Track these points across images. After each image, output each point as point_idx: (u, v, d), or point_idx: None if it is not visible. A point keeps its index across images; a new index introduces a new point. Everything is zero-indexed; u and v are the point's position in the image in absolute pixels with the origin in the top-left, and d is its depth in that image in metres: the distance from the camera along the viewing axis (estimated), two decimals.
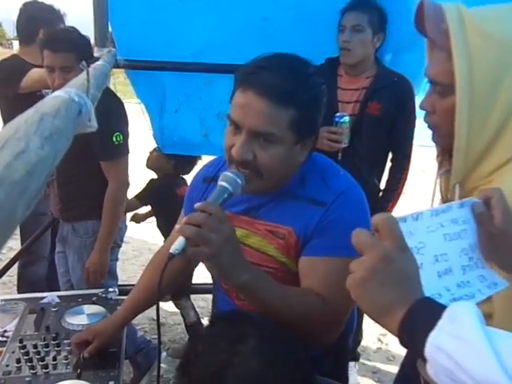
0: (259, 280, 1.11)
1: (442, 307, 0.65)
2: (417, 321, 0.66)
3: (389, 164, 2.56)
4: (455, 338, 0.61)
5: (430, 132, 1.18)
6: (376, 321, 0.72)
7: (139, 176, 3.33)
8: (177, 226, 1.26)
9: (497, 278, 0.90)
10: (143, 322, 3.33)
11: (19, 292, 3.05)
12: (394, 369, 3.01)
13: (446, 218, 0.88)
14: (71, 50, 2.15)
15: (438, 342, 0.62)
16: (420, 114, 2.69)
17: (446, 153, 1.20)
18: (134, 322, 2.91)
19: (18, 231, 3.02)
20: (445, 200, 1.23)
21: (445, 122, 1.07)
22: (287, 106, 1.11)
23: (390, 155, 2.52)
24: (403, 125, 2.40)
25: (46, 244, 3.07)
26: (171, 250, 1.03)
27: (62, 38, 2.19)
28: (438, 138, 1.16)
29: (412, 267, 0.72)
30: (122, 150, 2.31)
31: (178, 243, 1.04)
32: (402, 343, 0.68)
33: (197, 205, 1.06)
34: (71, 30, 2.26)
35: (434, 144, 1.22)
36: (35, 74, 2.73)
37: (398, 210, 5.84)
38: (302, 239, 1.22)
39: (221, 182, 1.12)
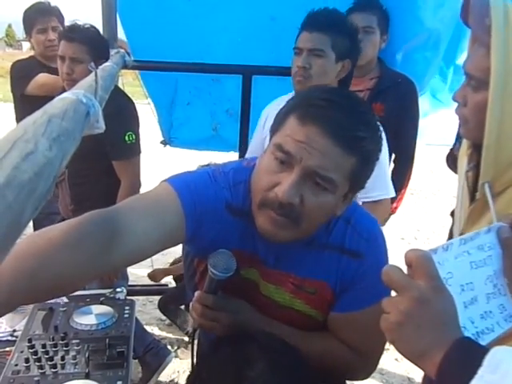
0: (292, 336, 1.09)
1: (482, 350, 0.62)
2: (456, 367, 0.63)
3: (392, 165, 2.56)
4: None
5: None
6: (414, 363, 0.69)
7: (148, 176, 3.34)
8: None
9: None
10: (151, 322, 3.34)
11: None
12: (402, 370, 3.00)
13: (472, 245, 0.85)
14: (85, 42, 2.18)
15: None
16: (425, 114, 2.70)
17: (476, 146, 1.16)
18: (143, 322, 2.92)
19: (26, 231, 3.04)
20: (471, 197, 1.18)
21: (475, 116, 1.07)
22: (352, 154, 0.96)
23: (393, 156, 2.52)
24: (407, 126, 2.40)
25: None
26: (193, 327, 1.21)
27: (78, 29, 2.23)
28: (467, 131, 1.14)
29: (449, 307, 0.69)
30: (135, 150, 2.33)
31: (192, 323, 1.21)
32: None
33: (195, 297, 1.11)
34: (92, 29, 2.28)
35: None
36: (41, 79, 2.76)
37: (405, 211, 5.82)
38: (339, 292, 1.13)
39: (210, 270, 1.07)
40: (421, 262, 0.69)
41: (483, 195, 1.07)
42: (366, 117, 0.99)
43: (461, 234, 1.19)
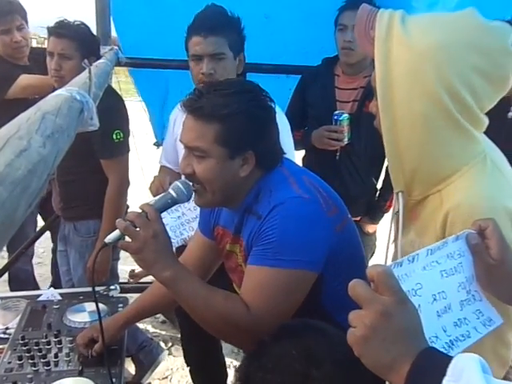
0: (181, 279, 1.19)
1: (447, 359, 0.63)
2: (421, 378, 0.64)
3: (386, 163, 2.56)
4: None
5: None
6: (382, 377, 0.70)
7: (139, 174, 3.34)
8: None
9: (492, 313, 0.89)
10: (145, 319, 3.33)
11: (11, 290, 3.03)
12: None
13: (441, 254, 0.86)
14: (74, 39, 2.14)
15: None
16: None
17: None
18: None
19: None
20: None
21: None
22: (210, 121, 1.19)
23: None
24: None
25: (26, 239, 3.01)
26: (106, 240, 1.20)
27: (68, 26, 2.19)
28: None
29: (413, 320, 0.70)
30: (122, 148, 2.30)
31: (113, 234, 1.19)
32: None
33: (140, 205, 1.21)
34: (81, 25, 2.25)
35: None
36: (23, 80, 2.66)
37: None
38: (248, 252, 1.28)
39: (169, 189, 1.26)
40: (382, 278, 0.69)
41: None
42: (221, 90, 1.22)
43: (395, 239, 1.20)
